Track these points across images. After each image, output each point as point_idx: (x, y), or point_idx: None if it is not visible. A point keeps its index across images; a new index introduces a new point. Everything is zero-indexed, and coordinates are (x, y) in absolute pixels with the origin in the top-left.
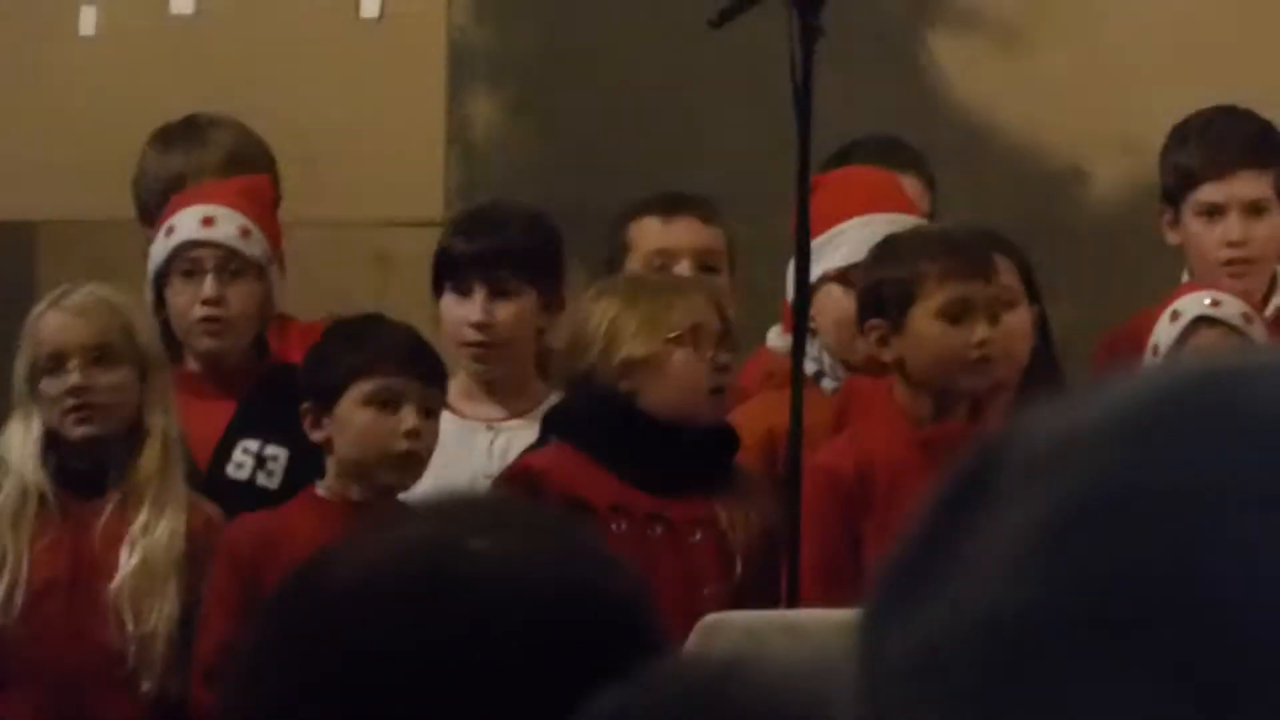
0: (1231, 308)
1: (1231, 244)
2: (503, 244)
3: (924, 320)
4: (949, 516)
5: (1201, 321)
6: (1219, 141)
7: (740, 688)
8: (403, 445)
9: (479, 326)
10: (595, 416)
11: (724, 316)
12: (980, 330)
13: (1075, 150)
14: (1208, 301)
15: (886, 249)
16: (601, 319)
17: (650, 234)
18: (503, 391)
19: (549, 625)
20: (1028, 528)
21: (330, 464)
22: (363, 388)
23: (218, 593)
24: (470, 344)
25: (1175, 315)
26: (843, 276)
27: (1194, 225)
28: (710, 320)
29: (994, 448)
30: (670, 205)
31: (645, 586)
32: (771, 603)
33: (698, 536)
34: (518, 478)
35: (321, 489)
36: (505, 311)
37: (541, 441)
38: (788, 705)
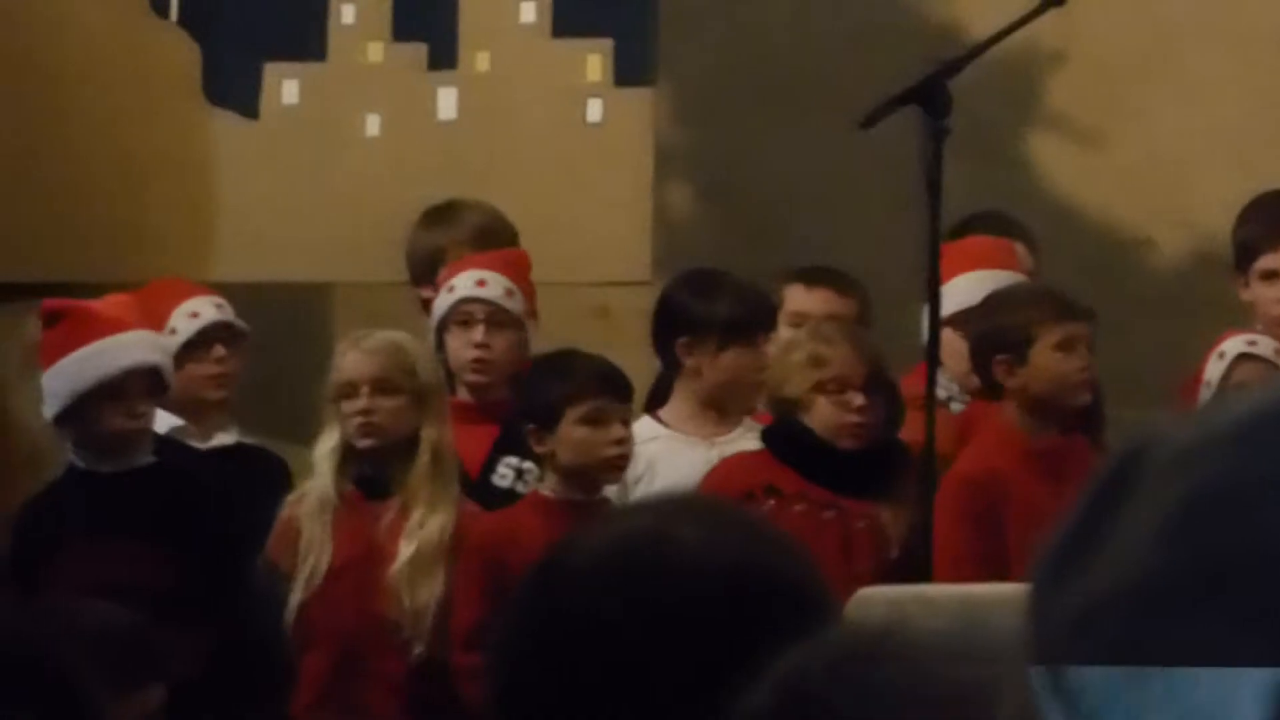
0: (1266, 346)
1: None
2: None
3: (1044, 353)
4: (1100, 505)
5: (1243, 358)
6: (1273, 218)
7: (899, 646)
8: (613, 452)
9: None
10: (779, 433)
11: (872, 365)
12: (1084, 357)
13: (1143, 225)
14: (1246, 341)
15: (999, 301)
16: (778, 355)
17: (795, 298)
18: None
19: (738, 599)
20: (1164, 512)
21: (551, 472)
22: (578, 410)
23: (469, 576)
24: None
25: (1221, 355)
26: (952, 322)
27: (1258, 288)
28: (853, 371)
29: (1135, 451)
30: (812, 276)
31: (817, 568)
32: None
33: (862, 524)
34: (723, 465)
35: (545, 491)
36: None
37: None
38: (937, 661)
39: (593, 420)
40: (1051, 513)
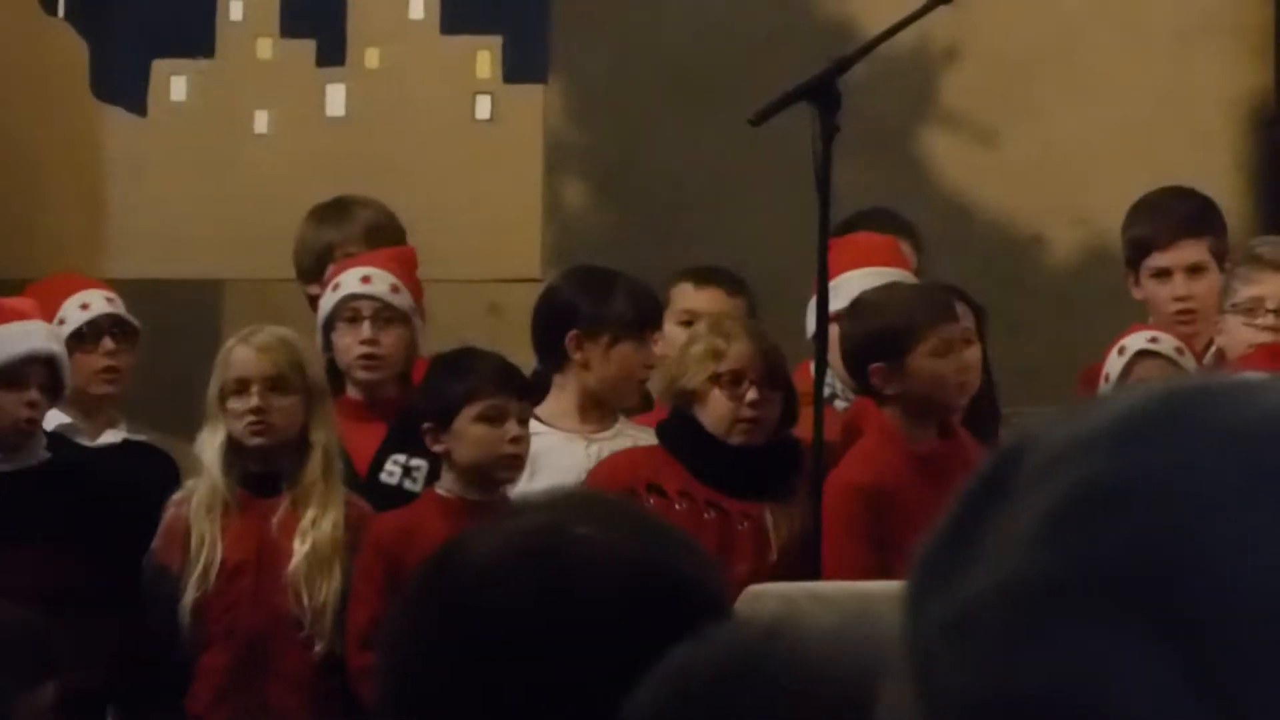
0: (1167, 343)
1: (1178, 299)
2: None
3: (921, 359)
4: (974, 507)
5: (1143, 354)
6: (1164, 216)
7: (787, 643)
8: (510, 450)
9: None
10: (673, 427)
11: (770, 361)
12: (961, 359)
13: (1036, 222)
14: (1148, 338)
15: (867, 306)
16: (678, 348)
17: (684, 297)
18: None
19: (636, 596)
20: (1040, 513)
21: (448, 470)
22: (474, 407)
23: (366, 575)
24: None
25: (1122, 350)
26: (838, 319)
27: (1149, 286)
28: (749, 365)
29: (1009, 452)
30: (701, 276)
31: (714, 565)
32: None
33: (743, 526)
34: (611, 461)
35: (442, 490)
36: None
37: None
38: (826, 658)
39: (489, 418)
40: (933, 515)
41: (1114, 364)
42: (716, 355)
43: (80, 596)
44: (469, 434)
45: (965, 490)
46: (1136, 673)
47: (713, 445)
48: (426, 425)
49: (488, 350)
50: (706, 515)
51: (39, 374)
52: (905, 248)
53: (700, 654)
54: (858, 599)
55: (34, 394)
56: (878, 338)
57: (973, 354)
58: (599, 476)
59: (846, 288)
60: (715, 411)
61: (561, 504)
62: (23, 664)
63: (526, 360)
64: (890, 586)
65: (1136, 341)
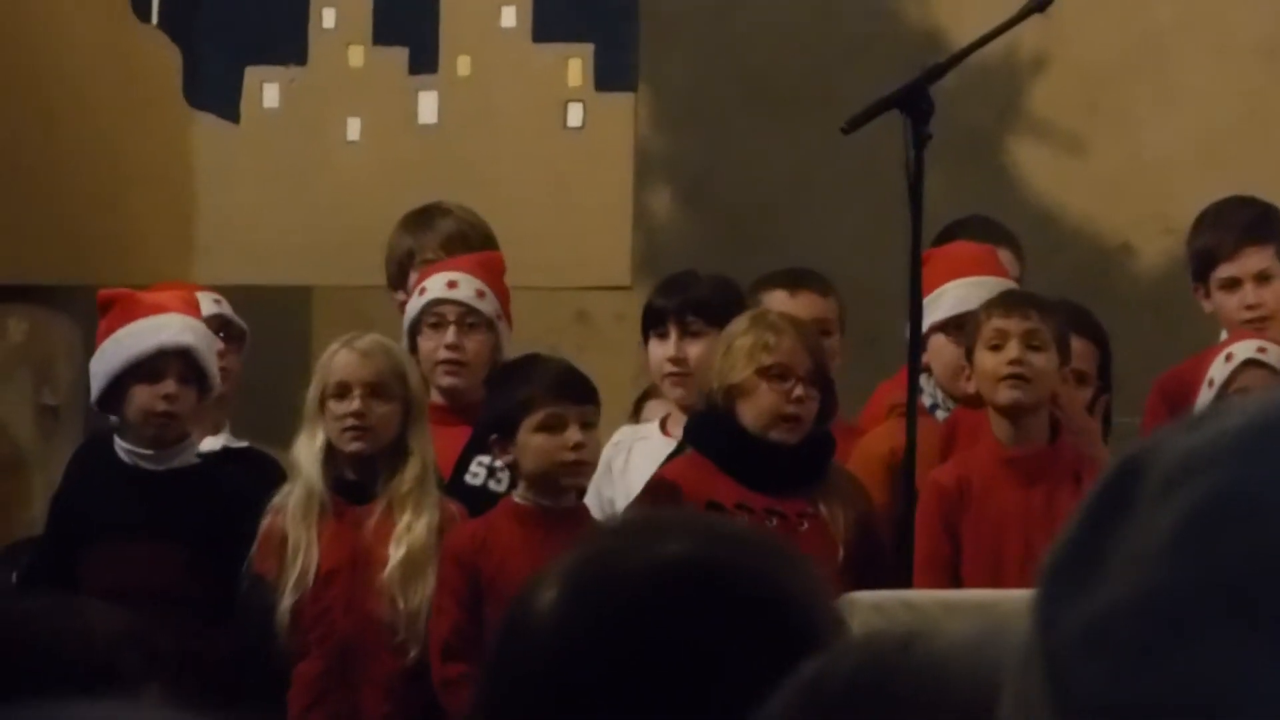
0: (1275, 354)
1: (1248, 307)
2: (690, 298)
3: (981, 355)
4: (1100, 518)
5: (1250, 363)
6: (1227, 226)
7: (921, 655)
8: (570, 457)
9: (674, 360)
10: (715, 428)
11: (817, 359)
12: (1010, 353)
13: (1123, 231)
14: (1256, 348)
15: (967, 316)
16: (724, 343)
17: (778, 303)
18: None
19: (747, 617)
20: (1170, 524)
21: (521, 479)
22: (534, 418)
23: (446, 585)
24: (668, 375)
25: (1230, 357)
26: (945, 328)
27: (1219, 296)
28: (797, 362)
29: (1133, 463)
30: (795, 280)
31: (819, 576)
32: (872, 580)
33: (805, 526)
34: (657, 489)
35: (518, 497)
36: (695, 349)
37: (682, 448)
38: (960, 671)
39: (549, 426)
40: (1008, 519)
41: (1219, 370)
42: (765, 349)
43: (187, 601)
44: (530, 444)
45: (1089, 502)
46: (1270, 682)
47: (753, 445)
48: (494, 438)
49: (550, 357)
50: (769, 524)
51: (174, 365)
52: (1006, 256)
53: (833, 665)
54: (948, 608)
55: (170, 386)
56: (966, 334)
57: (1039, 358)
58: (656, 497)
59: (949, 298)
60: (759, 406)
61: (700, 532)
62: (126, 667)
63: (614, 367)
64: (981, 595)
65: (1245, 350)
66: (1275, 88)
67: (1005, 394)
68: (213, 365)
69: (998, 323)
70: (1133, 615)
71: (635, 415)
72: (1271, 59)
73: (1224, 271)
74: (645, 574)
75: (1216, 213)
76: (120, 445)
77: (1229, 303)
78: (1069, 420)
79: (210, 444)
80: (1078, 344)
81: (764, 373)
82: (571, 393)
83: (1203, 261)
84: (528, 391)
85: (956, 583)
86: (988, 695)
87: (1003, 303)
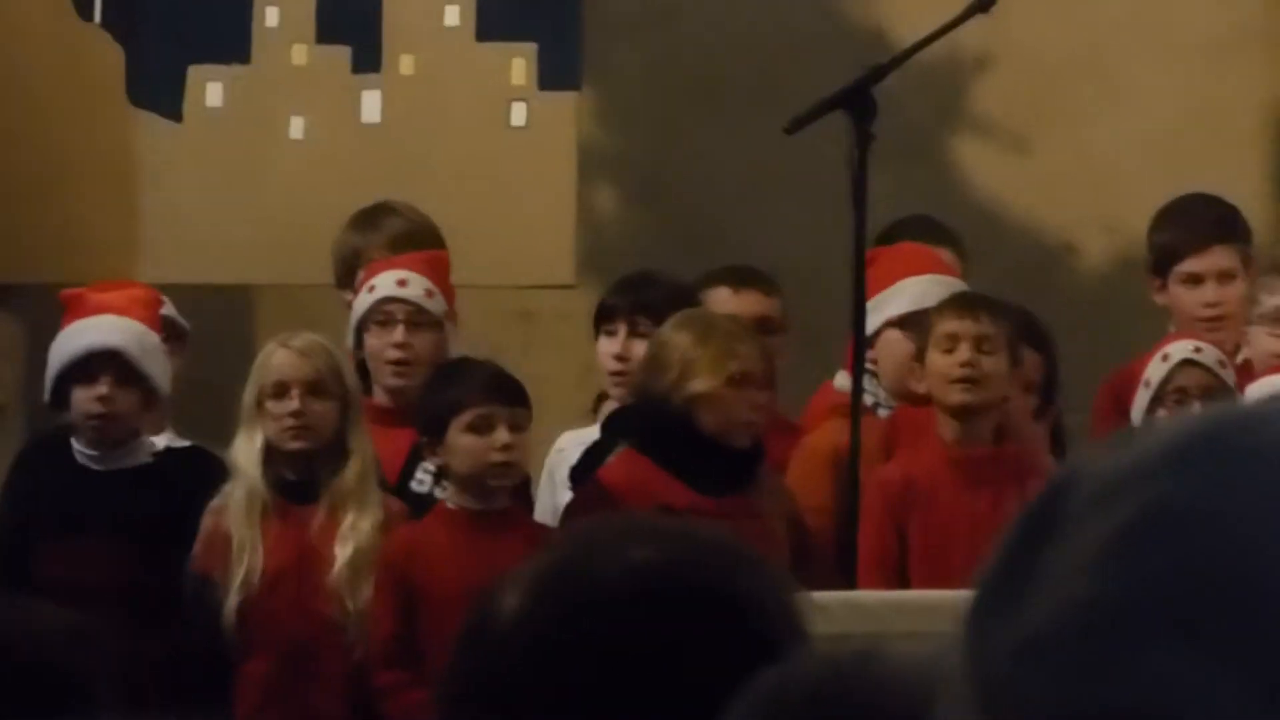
0: (1210, 354)
1: (1209, 305)
2: (642, 299)
3: (932, 355)
4: (1031, 536)
5: (1186, 363)
6: (1196, 222)
7: (880, 667)
8: (499, 458)
9: (619, 358)
10: (666, 431)
11: (768, 366)
12: (961, 355)
13: (1068, 231)
14: (1192, 348)
15: (922, 315)
16: (677, 350)
17: (723, 301)
18: None
19: (714, 623)
20: (1100, 539)
21: (451, 482)
22: (462, 418)
23: (381, 593)
24: (612, 373)
25: (1166, 357)
26: (902, 324)
27: (1178, 291)
28: (757, 368)
29: (1063, 482)
30: (740, 278)
31: (784, 581)
32: (805, 579)
33: (754, 527)
34: (602, 484)
35: (449, 502)
36: (641, 348)
37: (606, 444)
38: (917, 683)
39: (477, 428)
40: (955, 519)
41: (1156, 370)
42: (733, 358)
43: (135, 600)
44: (459, 444)
45: (1019, 521)
46: (1204, 692)
47: (709, 449)
48: (425, 439)
49: (480, 360)
50: (722, 526)
51: (111, 368)
52: (948, 256)
53: (792, 675)
54: (894, 608)
55: (103, 388)
56: (922, 333)
57: (990, 361)
58: (598, 499)
59: (903, 294)
60: (725, 414)
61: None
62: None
63: (558, 366)
64: (929, 596)
65: (1181, 350)
66: (1219, 88)
67: (956, 396)
68: (152, 365)
69: (950, 325)
70: (1064, 631)
71: (595, 413)
72: (1216, 59)
73: (1188, 266)
74: (611, 580)
75: (1184, 208)
76: (74, 444)
77: (1188, 298)
78: (1015, 427)
79: (161, 440)
80: (1023, 353)
81: (731, 381)
82: (501, 395)
83: (1165, 255)
84: (457, 393)
85: (903, 582)
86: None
87: (955, 304)
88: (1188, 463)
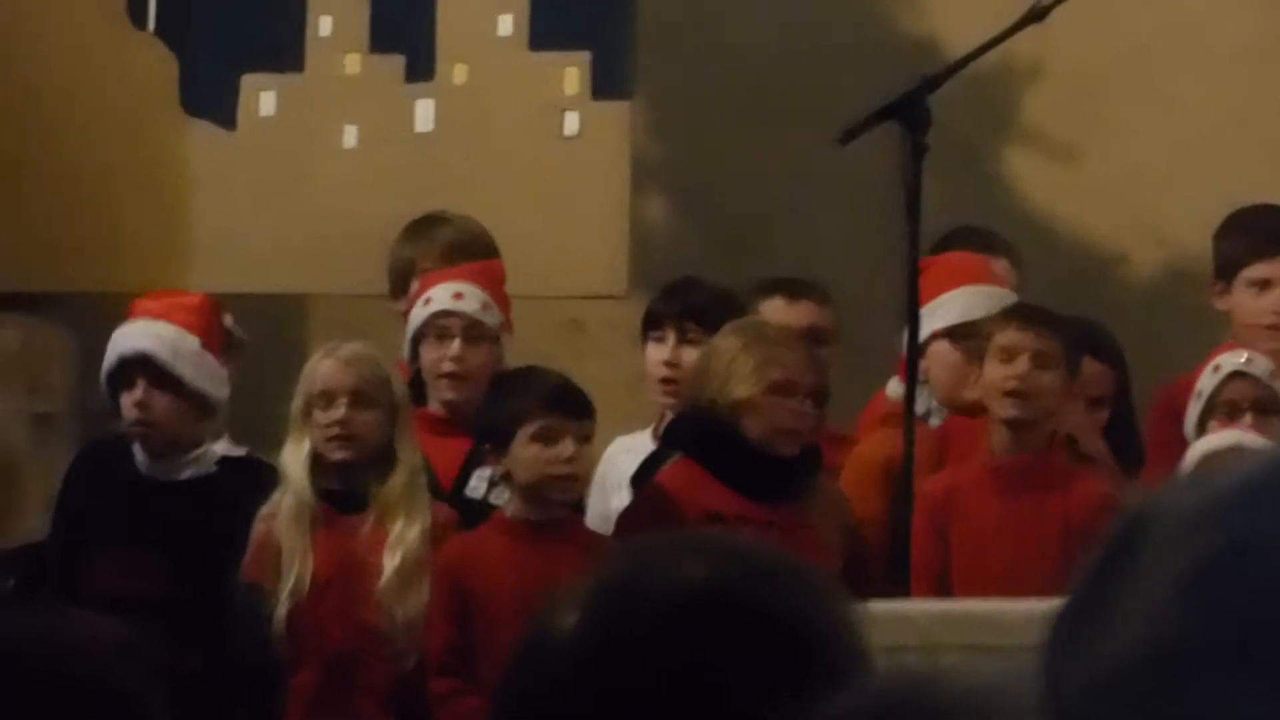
0: (1261, 365)
1: (1275, 311)
2: (690, 305)
3: (990, 364)
4: (1106, 573)
5: (1236, 375)
6: (1267, 229)
7: (944, 693)
8: (565, 470)
9: (668, 365)
10: (715, 439)
11: (818, 376)
12: (1019, 367)
13: (1117, 240)
14: (1243, 359)
15: (980, 324)
16: (722, 358)
17: (776, 311)
18: None
19: (770, 644)
20: (1176, 576)
21: (511, 491)
22: (529, 428)
23: (437, 601)
24: (661, 380)
25: (1216, 368)
26: (950, 334)
27: (1242, 296)
28: (804, 377)
29: (1135, 520)
30: (794, 289)
31: (842, 601)
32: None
33: (804, 536)
34: (658, 491)
35: (508, 512)
36: (690, 355)
37: (663, 453)
38: (982, 709)
39: (543, 438)
40: (994, 528)
41: (1207, 381)
42: (777, 365)
43: (185, 611)
44: (524, 455)
45: (1095, 558)
46: None
47: (755, 457)
48: (487, 447)
49: (547, 369)
50: (774, 535)
51: (145, 373)
52: (1003, 266)
53: (858, 701)
54: (940, 619)
55: (138, 393)
56: (977, 339)
57: (1045, 377)
58: (651, 507)
59: (953, 305)
60: (768, 421)
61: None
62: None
63: (609, 375)
64: (978, 606)
65: (1231, 362)
66: (1262, 94)
67: (1007, 409)
68: (186, 368)
69: (1011, 337)
70: (1139, 665)
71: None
72: (1257, 65)
73: (1256, 272)
74: (667, 600)
75: (1255, 214)
76: (135, 453)
77: (1254, 303)
78: (1084, 445)
79: (219, 448)
80: (1093, 366)
81: (772, 388)
82: (569, 406)
83: (1231, 260)
84: (525, 402)
85: (946, 590)
86: None
87: (1015, 317)
88: (1261, 500)
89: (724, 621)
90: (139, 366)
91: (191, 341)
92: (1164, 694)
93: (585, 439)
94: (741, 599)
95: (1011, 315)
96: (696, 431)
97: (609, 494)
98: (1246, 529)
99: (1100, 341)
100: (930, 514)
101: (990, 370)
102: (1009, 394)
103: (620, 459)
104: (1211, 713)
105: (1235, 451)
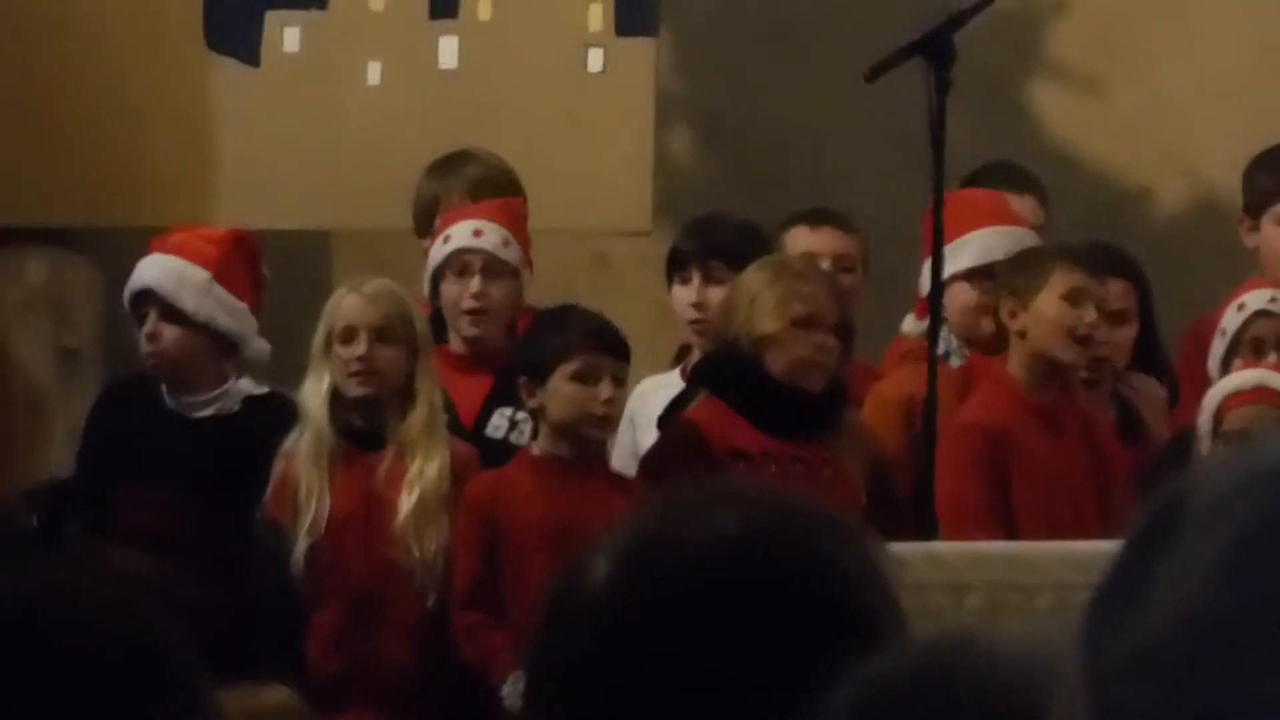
0: None
1: None
2: (713, 242)
3: (1049, 300)
4: (1146, 546)
5: (1261, 314)
6: None
7: (982, 657)
8: (601, 410)
9: (696, 306)
10: (738, 376)
11: (842, 310)
12: (1090, 314)
13: (1144, 174)
14: (1268, 298)
15: (1026, 254)
16: (746, 294)
17: (800, 239)
18: None
19: (803, 596)
20: (1215, 550)
21: (542, 427)
22: (569, 366)
23: (463, 536)
24: (691, 322)
25: (1241, 306)
26: (969, 276)
27: (1271, 231)
28: (827, 311)
29: (1178, 490)
30: (816, 217)
31: (876, 552)
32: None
33: (828, 473)
34: (685, 428)
35: (536, 449)
36: (717, 295)
37: (690, 392)
38: (1021, 673)
39: (582, 377)
40: (1051, 469)
41: (1231, 319)
42: (798, 298)
43: (209, 546)
44: (562, 391)
45: (1134, 530)
46: None
47: (779, 392)
48: (523, 379)
49: (589, 309)
50: (796, 472)
51: (156, 308)
52: (1030, 203)
53: (894, 664)
54: (972, 560)
55: (149, 326)
56: (1016, 275)
57: (1122, 334)
58: (677, 445)
59: (971, 247)
60: (790, 355)
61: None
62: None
63: (633, 311)
64: (1008, 547)
65: (1256, 300)
66: None
67: (1071, 353)
68: (189, 299)
69: (1080, 280)
70: (1179, 638)
71: (678, 364)
72: None
73: None
74: (700, 551)
75: None
76: (163, 389)
77: None
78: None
79: (244, 386)
80: (1116, 284)
81: (795, 323)
82: (609, 346)
83: (1261, 195)
84: (566, 339)
85: (1008, 529)
86: (1046, 701)
87: (1084, 260)
88: None
89: (757, 571)
90: (149, 300)
91: (198, 274)
92: (1203, 669)
93: (620, 381)
94: (774, 550)
95: (1082, 258)
96: (721, 369)
97: (639, 432)
98: None
99: (1118, 260)
100: (985, 444)
101: (1053, 308)
102: (1077, 339)
103: (650, 397)
104: (1252, 687)
105: (1259, 391)
